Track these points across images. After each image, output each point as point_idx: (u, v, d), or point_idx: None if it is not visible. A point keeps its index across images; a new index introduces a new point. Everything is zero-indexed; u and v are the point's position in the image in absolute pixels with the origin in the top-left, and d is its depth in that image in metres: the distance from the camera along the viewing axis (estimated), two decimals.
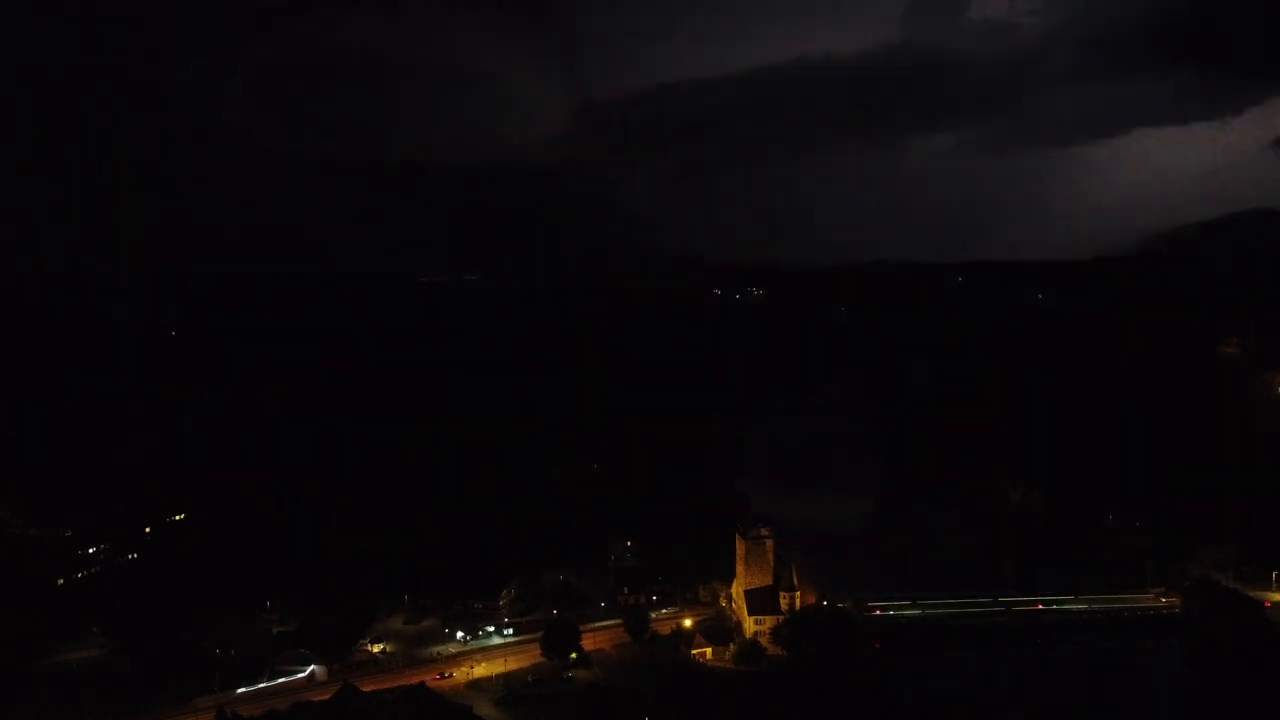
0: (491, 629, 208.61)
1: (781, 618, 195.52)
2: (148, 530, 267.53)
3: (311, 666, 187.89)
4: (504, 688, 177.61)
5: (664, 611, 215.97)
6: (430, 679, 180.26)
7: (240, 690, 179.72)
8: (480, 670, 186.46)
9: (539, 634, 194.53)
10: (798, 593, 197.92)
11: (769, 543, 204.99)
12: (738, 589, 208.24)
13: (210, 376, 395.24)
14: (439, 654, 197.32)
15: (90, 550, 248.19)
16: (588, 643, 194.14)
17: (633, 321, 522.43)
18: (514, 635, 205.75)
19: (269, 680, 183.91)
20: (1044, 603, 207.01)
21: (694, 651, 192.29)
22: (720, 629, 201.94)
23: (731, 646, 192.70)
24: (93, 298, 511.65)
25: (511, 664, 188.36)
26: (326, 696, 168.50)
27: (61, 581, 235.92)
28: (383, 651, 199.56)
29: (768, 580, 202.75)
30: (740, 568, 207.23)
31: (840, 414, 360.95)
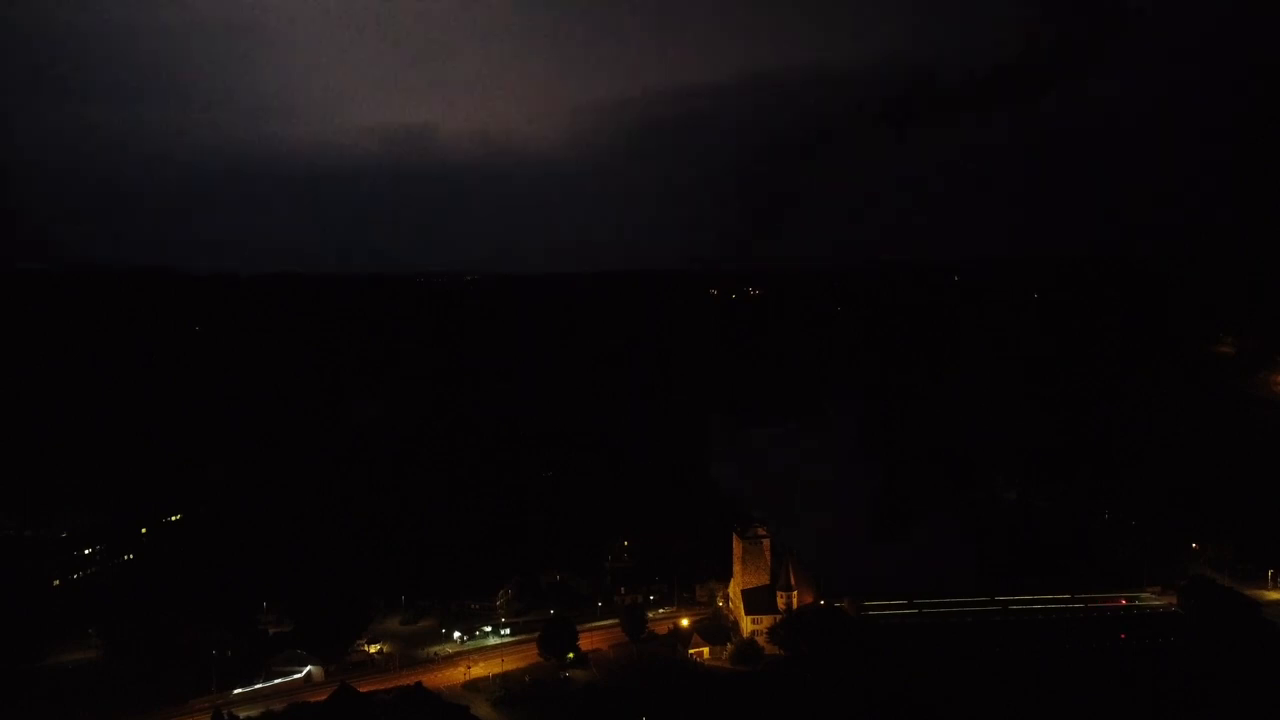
0: (488, 629, 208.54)
1: (779, 617, 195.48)
2: (144, 531, 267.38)
3: (308, 667, 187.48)
4: (501, 688, 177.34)
5: (661, 611, 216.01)
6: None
7: (237, 691, 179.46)
8: (477, 670, 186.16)
9: (536, 634, 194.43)
10: (795, 592, 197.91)
11: (766, 542, 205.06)
12: (735, 589, 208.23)
13: (207, 377, 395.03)
14: (436, 654, 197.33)
15: (86, 551, 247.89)
16: (585, 643, 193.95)
17: (631, 321, 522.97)
18: (511, 635, 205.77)
19: (265, 681, 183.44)
20: (1040, 602, 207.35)
21: (691, 651, 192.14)
22: (717, 629, 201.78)
23: (729, 646, 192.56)
24: (92, 296, 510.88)
25: (508, 664, 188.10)
26: (323, 697, 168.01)
27: (57, 583, 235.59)
28: (379, 652, 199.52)
29: (765, 580, 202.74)
30: (737, 567, 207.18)
31: (838, 413, 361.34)
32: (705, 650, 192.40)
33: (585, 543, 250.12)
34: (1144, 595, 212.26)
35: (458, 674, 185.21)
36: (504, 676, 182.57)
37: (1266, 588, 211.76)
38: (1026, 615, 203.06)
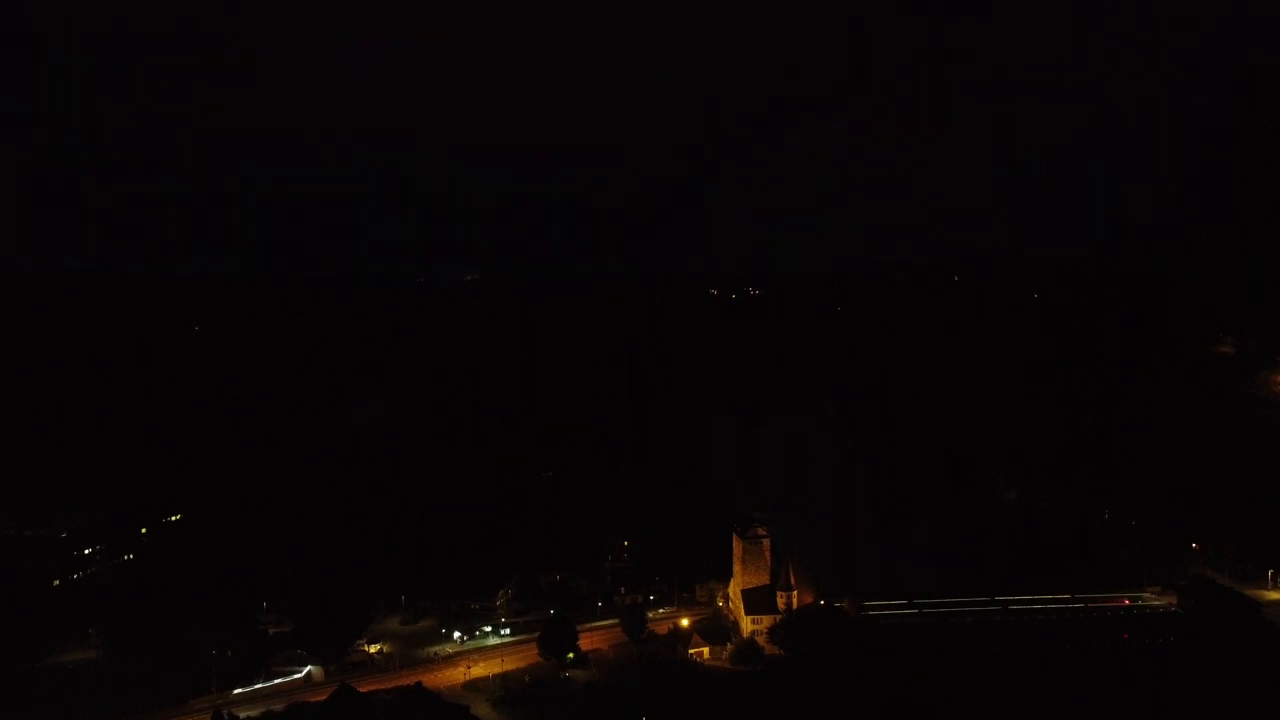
0: (489, 629, 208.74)
1: (779, 617, 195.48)
2: (144, 531, 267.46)
3: (308, 667, 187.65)
4: (501, 688, 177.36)
5: (661, 611, 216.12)
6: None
7: (237, 691, 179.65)
8: (477, 670, 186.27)
9: (536, 634, 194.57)
10: (795, 592, 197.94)
11: (766, 542, 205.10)
12: (735, 589, 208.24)
13: (207, 377, 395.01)
14: (436, 654, 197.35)
15: (87, 551, 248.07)
16: (585, 643, 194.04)
17: (631, 321, 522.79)
18: (511, 635, 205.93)
19: (265, 681, 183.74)
20: (1040, 602, 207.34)
21: (691, 651, 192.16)
22: (717, 629, 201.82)
23: (729, 646, 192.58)
24: (92, 296, 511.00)
25: (509, 664, 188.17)
26: (323, 697, 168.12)
27: (58, 583, 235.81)
28: (379, 652, 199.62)
29: (765, 580, 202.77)
30: (737, 567, 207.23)
31: (837, 413, 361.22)
32: (705, 650, 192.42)
33: (585, 543, 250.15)
34: (1144, 595, 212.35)
35: (458, 674, 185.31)
36: (504, 676, 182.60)
37: (1266, 588, 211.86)
38: (1026, 615, 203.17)
